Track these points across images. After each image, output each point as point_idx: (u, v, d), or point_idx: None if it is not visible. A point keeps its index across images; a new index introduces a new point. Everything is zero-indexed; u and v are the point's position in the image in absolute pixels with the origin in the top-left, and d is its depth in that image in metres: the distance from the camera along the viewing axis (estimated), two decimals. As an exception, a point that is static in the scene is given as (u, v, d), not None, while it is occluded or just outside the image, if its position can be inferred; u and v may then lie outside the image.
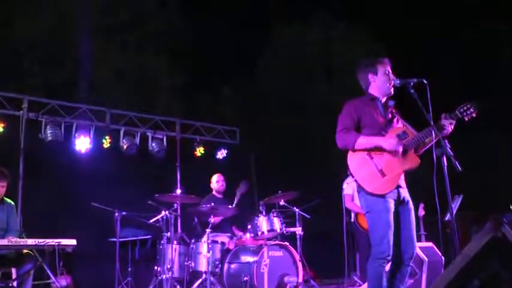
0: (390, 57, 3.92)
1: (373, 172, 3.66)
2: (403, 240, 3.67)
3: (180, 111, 10.26)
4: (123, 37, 11.56)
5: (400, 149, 3.60)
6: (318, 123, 11.83)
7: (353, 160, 3.75)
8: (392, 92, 3.80)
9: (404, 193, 3.76)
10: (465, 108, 3.56)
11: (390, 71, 3.82)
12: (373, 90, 3.87)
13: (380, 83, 3.82)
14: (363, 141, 3.67)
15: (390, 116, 3.84)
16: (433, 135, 3.55)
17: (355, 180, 3.75)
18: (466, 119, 3.58)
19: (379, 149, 3.66)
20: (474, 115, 3.57)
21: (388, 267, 3.65)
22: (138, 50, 11.69)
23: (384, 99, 3.86)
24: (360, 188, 3.71)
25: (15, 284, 4.76)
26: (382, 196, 3.61)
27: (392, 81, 3.76)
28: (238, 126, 10.23)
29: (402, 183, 3.75)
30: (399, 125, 3.84)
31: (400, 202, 3.71)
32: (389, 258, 3.56)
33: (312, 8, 12.77)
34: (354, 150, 3.71)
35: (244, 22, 11.80)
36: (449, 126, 3.56)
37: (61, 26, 10.62)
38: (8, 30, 10.16)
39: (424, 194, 4.79)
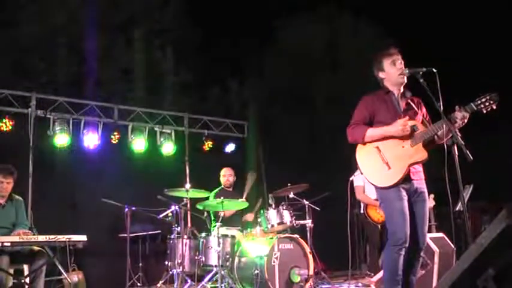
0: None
1: (379, 165, 3.65)
2: (415, 231, 3.65)
3: (188, 105, 10.24)
4: (129, 33, 11.54)
5: (407, 130, 3.56)
6: (326, 115, 11.78)
7: (361, 153, 3.78)
8: (406, 80, 3.74)
9: (418, 184, 3.73)
10: (483, 100, 3.34)
11: (397, 60, 3.76)
12: (387, 84, 3.86)
13: (389, 76, 3.81)
14: (372, 133, 3.67)
15: (406, 107, 3.80)
16: (445, 128, 3.45)
17: (361, 173, 3.76)
18: (484, 112, 3.36)
19: (388, 139, 3.64)
20: (494, 107, 3.34)
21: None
22: (145, 45, 11.67)
23: (400, 91, 3.82)
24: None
25: (27, 280, 4.79)
26: (393, 186, 3.59)
27: (401, 70, 3.71)
28: (247, 120, 10.23)
29: (414, 176, 3.70)
30: (418, 117, 3.77)
31: (413, 193, 3.69)
32: (406, 245, 3.53)
33: (318, 1, 12.70)
34: (364, 143, 3.71)
35: (251, 15, 11.77)
36: (462, 119, 3.42)
37: (67, 23, 10.62)
38: (14, 28, 10.17)
39: (434, 185, 4.75)
